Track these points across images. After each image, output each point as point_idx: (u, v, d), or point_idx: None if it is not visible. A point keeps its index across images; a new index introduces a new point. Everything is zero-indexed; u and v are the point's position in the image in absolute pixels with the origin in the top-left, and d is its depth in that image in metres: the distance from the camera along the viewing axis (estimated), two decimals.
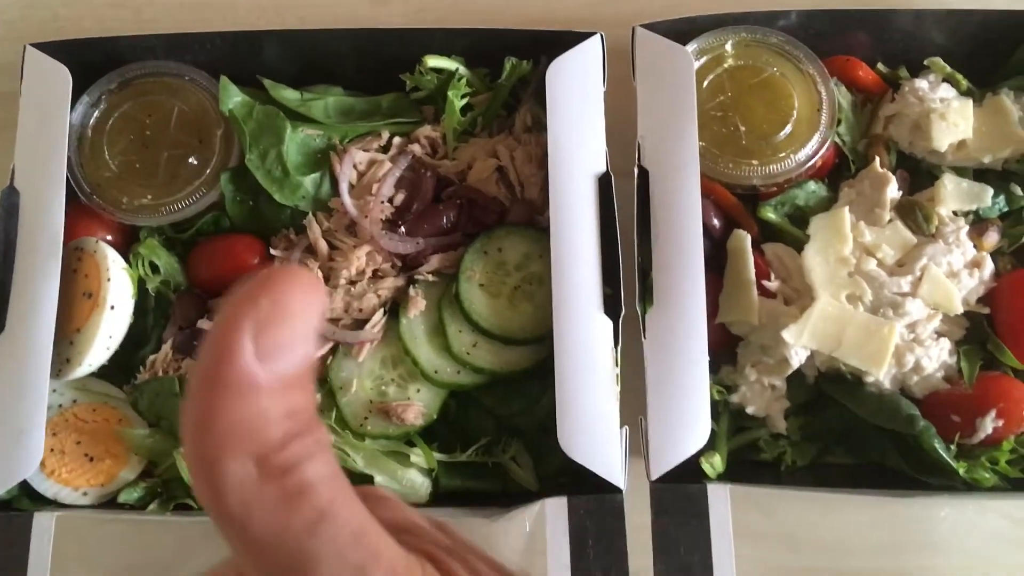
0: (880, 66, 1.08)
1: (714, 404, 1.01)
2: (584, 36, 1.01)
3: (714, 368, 1.03)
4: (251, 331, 0.33)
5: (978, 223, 1.00)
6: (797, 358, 0.97)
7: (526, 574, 0.40)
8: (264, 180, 0.99)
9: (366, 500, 0.37)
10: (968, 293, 0.97)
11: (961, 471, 0.92)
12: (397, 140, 1.05)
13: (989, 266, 0.98)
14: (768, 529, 1.02)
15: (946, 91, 1.05)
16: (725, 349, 1.03)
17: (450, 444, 0.97)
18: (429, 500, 0.95)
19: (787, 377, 1.00)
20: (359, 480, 0.95)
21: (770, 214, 1.01)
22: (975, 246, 0.99)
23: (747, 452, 1.03)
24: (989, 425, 0.93)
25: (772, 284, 0.99)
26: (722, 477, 0.97)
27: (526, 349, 0.97)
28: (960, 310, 0.96)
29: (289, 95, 1.04)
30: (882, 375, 0.95)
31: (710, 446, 0.98)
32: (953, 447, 0.93)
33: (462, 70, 1.04)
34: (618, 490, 0.89)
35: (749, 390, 1.00)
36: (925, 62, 1.07)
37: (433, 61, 1.03)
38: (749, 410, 0.99)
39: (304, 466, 0.34)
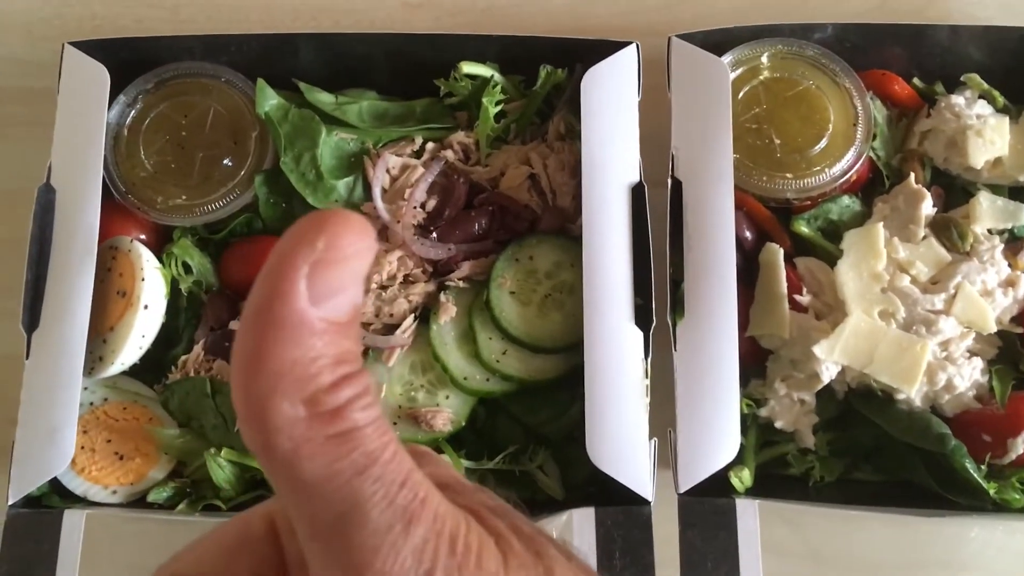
0: (916, 81, 1.08)
1: (743, 418, 1.01)
2: (620, 45, 1.01)
3: (743, 381, 1.02)
4: (305, 272, 0.33)
5: (1013, 242, 0.99)
6: (828, 373, 0.97)
7: (566, 543, 0.40)
8: (298, 183, 0.99)
9: (412, 454, 0.37)
10: (1001, 312, 0.97)
11: (991, 491, 0.91)
12: (430, 145, 1.05)
13: None
14: (795, 545, 1.01)
15: (982, 108, 1.05)
16: (755, 362, 1.02)
17: (478, 451, 0.97)
18: None
19: (816, 392, 0.99)
20: None
21: (803, 228, 1.01)
22: (1010, 265, 0.98)
23: (775, 466, 1.02)
24: (1021, 446, 0.92)
25: (804, 298, 0.99)
26: (750, 491, 0.97)
27: (555, 358, 0.97)
28: (993, 329, 0.95)
29: (324, 98, 1.04)
30: (913, 393, 0.94)
31: (739, 460, 0.98)
32: (983, 467, 0.92)
33: (497, 77, 1.04)
34: (646, 502, 0.89)
35: (778, 404, 1.00)
36: (962, 78, 1.06)
37: (468, 67, 1.03)
38: (778, 424, 0.99)
39: (354, 410, 0.34)
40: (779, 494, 1.00)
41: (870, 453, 1.00)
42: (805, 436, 0.99)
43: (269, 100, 1.00)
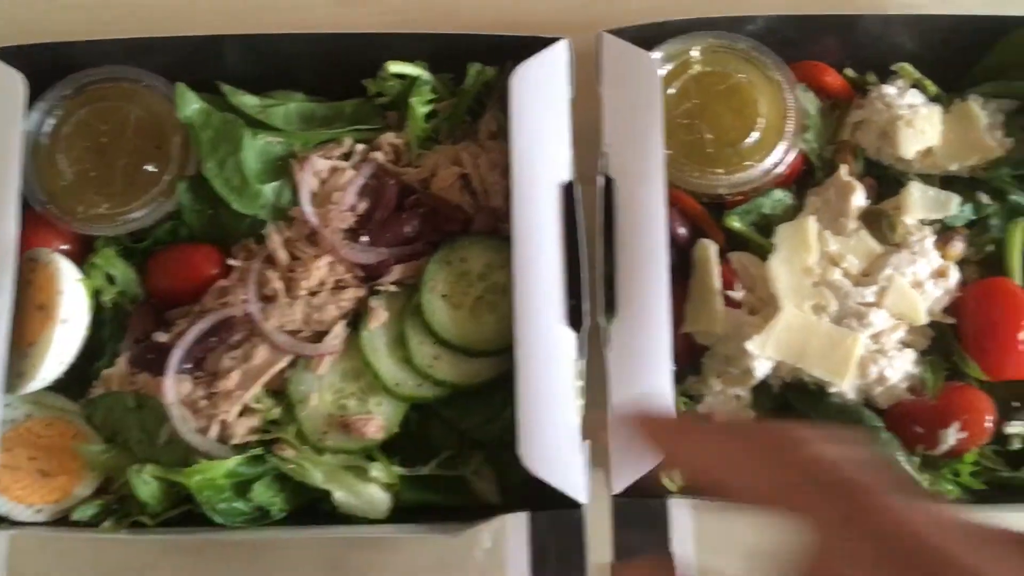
0: (848, 71, 1.07)
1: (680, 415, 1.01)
2: (550, 41, 0.99)
3: (680, 378, 1.02)
4: None
5: (944, 232, 0.99)
6: (761, 369, 0.96)
7: None
8: (222, 189, 0.97)
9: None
10: (933, 303, 0.97)
11: (924, 484, 0.91)
12: (359, 147, 1.03)
13: (954, 276, 0.97)
14: (731, 542, 1.01)
15: (914, 97, 1.04)
16: (691, 359, 1.02)
17: (412, 458, 0.96)
18: (389, 515, 0.94)
19: (752, 387, 0.99)
20: (316, 495, 0.94)
21: (735, 223, 1.00)
22: (941, 255, 0.98)
23: None
24: (952, 437, 0.92)
25: (737, 294, 0.99)
26: (687, 489, 0.97)
27: (489, 361, 0.96)
28: (925, 320, 0.95)
29: (248, 101, 1.02)
30: (845, 386, 0.94)
31: None
32: (916, 459, 0.93)
33: (425, 76, 1.03)
34: (579, 505, 0.88)
35: (714, 400, 0.99)
36: (893, 67, 1.06)
37: (395, 67, 1.01)
38: None
39: None
40: None
41: None
42: None
43: (190, 104, 0.98)
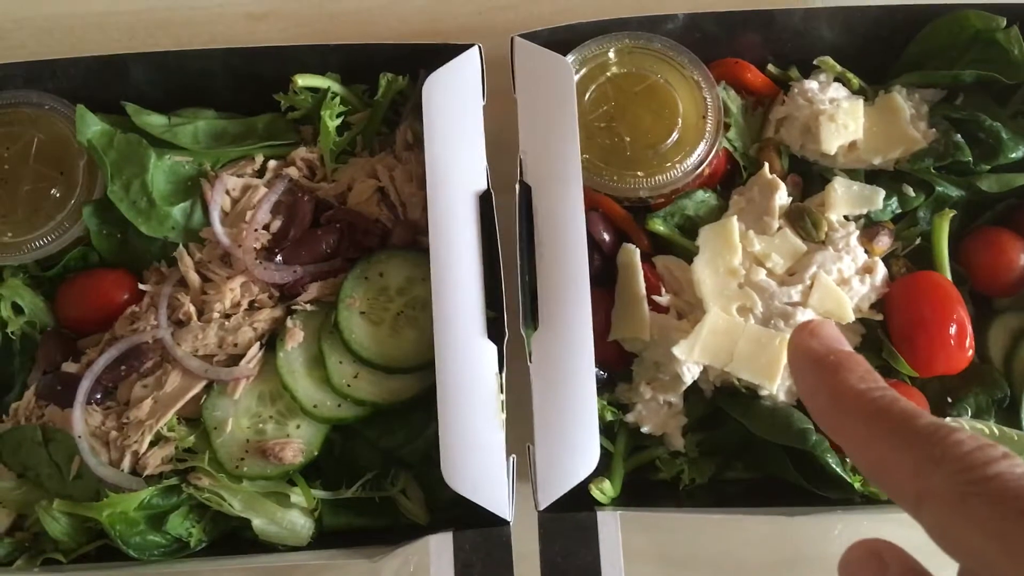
0: (771, 67, 1.06)
1: (610, 424, 0.99)
2: (462, 48, 0.97)
3: (610, 387, 1.00)
4: None
5: (870, 227, 0.97)
6: (690, 374, 0.94)
7: None
8: (128, 212, 0.95)
9: None
10: (860, 300, 0.95)
11: (856, 485, 0.90)
12: (272, 163, 1.01)
13: (881, 271, 0.96)
14: (667, 551, 0.99)
15: (837, 91, 1.03)
16: (621, 366, 1.00)
17: (336, 480, 0.94)
18: (312, 541, 0.91)
19: (684, 393, 0.97)
20: (236, 524, 0.91)
21: (659, 226, 0.98)
22: (866, 251, 0.96)
23: (647, 472, 1.00)
24: None
25: (663, 299, 0.97)
26: (617, 500, 0.94)
27: (411, 378, 0.94)
28: (851, 318, 0.94)
29: (154, 121, 0.99)
30: (775, 388, 0.92)
31: (604, 469, 0.96)
32: (849, 459, 0.91)
33: (336, 88, 1.00)
34: (505, 522, 0.86)
35: (645, 408, 0.97)
36: (815, 61, 1.04)
37: (304, 80, 0.99)
38: (645, 429, 0.96)
39: None
40: (650, 500, 0.98)
41: (740, 452, 0.98)
42: (674, 439, 0.97)
43: (91, 126, 0.95)
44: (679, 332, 0.94)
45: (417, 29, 1.14)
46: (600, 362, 0.98)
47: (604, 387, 0.99)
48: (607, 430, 0.99)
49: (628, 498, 0.96)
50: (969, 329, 0.92)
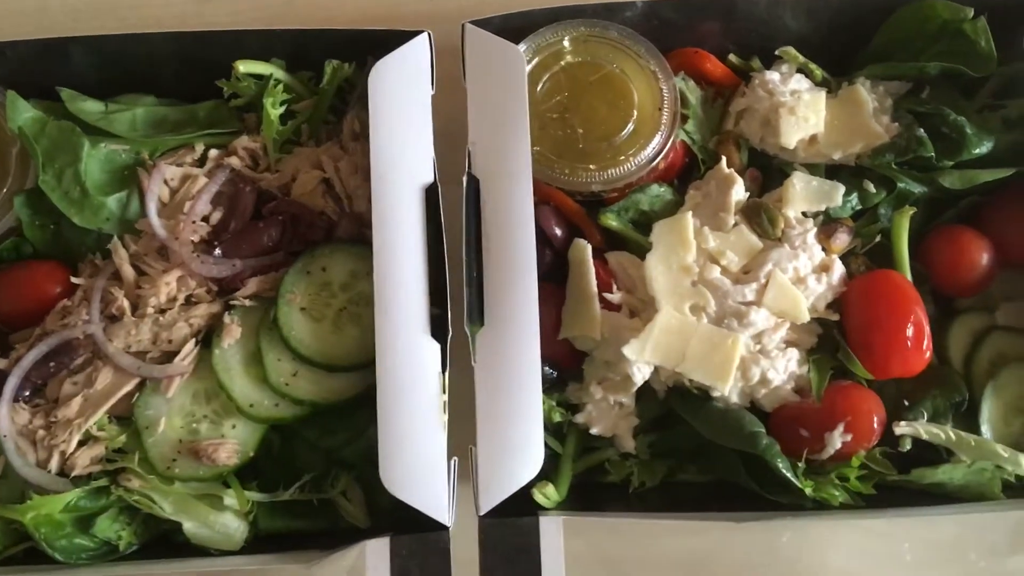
0: (732, 57, 1.02)
1: (559, 425, 0.96)
2: (411, 35, 0.93)
3: (561, 386, 0.97)
4: None
5: (828, 224, 0.94)
6: (640, 374, 0.92)
7: None
8: (61, 202, 0.91)
9: None
10: (816, 299, 0.92)
11: (808, 490, 0.87)
12: (213, 153, 0.97)
13: (839, 270, 0.93)
14: (612, 555, 0.97)
15: (799, 82, 0.99)
16: (572, 365, 0.97)
17: (274, 482, 0.91)
18: (246, 545, 0.88)
19: (637, 393, 0.94)
20: (168, 527, 0.89)
21: (611, 221, 0.95)
22: (824, 249, 0.93)
23: (597, 474, 0.97)
24: (838, 440, 0.88)
25: (615, 296, 0.94)
26: (564, 504, 0.92)
27: (352, 376, 0.91)
28: (807, 318, 0.91)
29: (90, 107, 0.96)
30: (727, 390, 0.90)
31: (551, 472, 0.93)
32: (802, 464, 0.88)
33: (279, 74, 0.97)
34: (444, 528, 0.83)
35: (595, 409, 0.94)
36: (777, 52, 1.01)
37: (245, 66, 0.95)
38: (594, 430, 0.94)
39: None
40: (599, 503, 0.96)
41: (692, 454, 0.96)
42: (625, 440, 0.94)
43: (22, 113, 0.92)
44: (630, 331, 0.92)
45: (373, 14, 1.11)
46: (550, 361, 0.96)
47: (554, 387, 0.96)
48: (556, 431, 0.96)
49: (576, 501, 0.94)
50: (927, 330, 0.89)
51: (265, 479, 0.91)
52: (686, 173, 1.00)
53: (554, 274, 0.96)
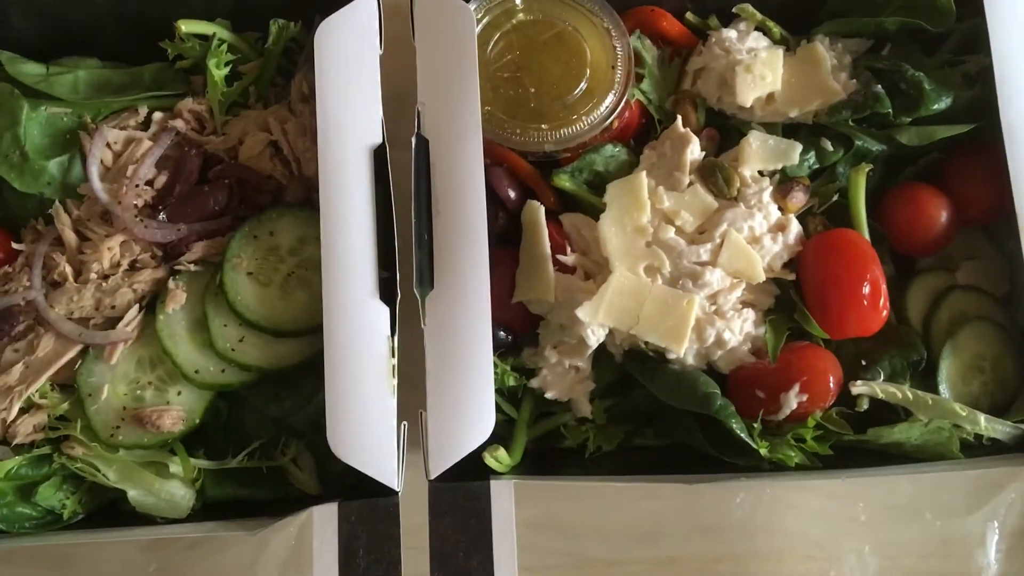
0: (689, 16, 1.00)
1: (514, 390, 0.95)
2: None
3: (516, 351, 0.96)
4: None
5: (784, 183, 0.93)
6: (595, 337, 0.90)
7: None
8: (0, 166, 0.89)
9: None
10: (772, 259, 0.91)
11: (763, 451, 0.86)
12: (158, 115, 0.95)
13: (795, 229, 0.92)
14: (566, 521, 0.96)
15: (757, 41, 0.98)
16: (527, 329, 0.95)
17: (223, 449, 0.89)
18: (192, 513, 0.87)
19: (593, 357, 0.93)
20: (114, 495, 0.87)
21: (565, 182, 0.93)
22: (780, 208, 0.92)
23: (555, 438, 0.96)
24: (793, 400, 0.87)
25: (568, 258, 0.92)
26: (518, 469, 0.90)
27: (299, 341, 0.89)
28: (762, 278, 0.89)
29: (29, 70, 0.93)
30: (683, 351, 0.88)
31: (506, 437, 0.92)
32: (758, 425, 0.87)
33: (224, 34, 0.94)
34: (393, 492, 0.81)
35: (551, 373, 0.93)
36: (734, 9, 0.99)
37: (188, 26, 0.93)
38: (549, 395, 0.92)
39: None
40: (554, 468, 0.94)
41: (649, 418, 0.95)
42: (581, 405, 0.93)
43: None
44: (584, 293, 0.90)
45: None
46: (505, 325, 0.94)
47: (509, 351, 0.95)
48: (511, 396, 0.95)
49: (531, 466, 0.93)
50: (883, 289, 0.88)
51: (213, 446, 0.90)
52: (643, 134, 0.99)
53: (508, 237, 0.94)
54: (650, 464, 0.94)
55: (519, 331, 0.96)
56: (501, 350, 0.94)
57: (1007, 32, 0.91)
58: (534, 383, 0.93)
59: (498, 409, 0.94)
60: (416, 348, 0.86)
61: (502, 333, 0.94)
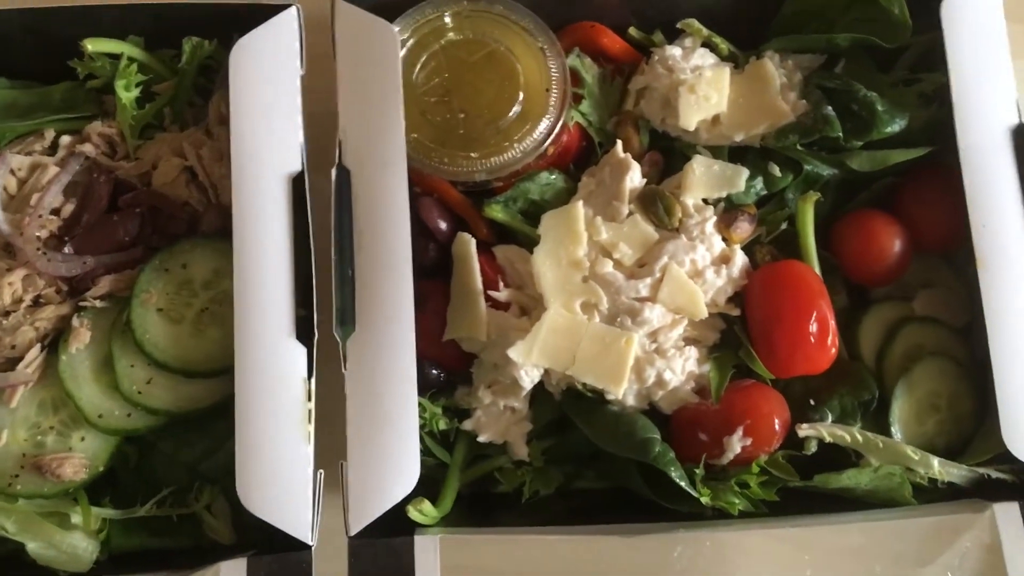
0: (633, 31, 0.95)
1: (446, 433, 0.90)
2: (278, 9, 0.86)
3: (449, 391, 0.90)
4: None
5: (729, 211, 0.87)
6: (528, 378, 0.85)
7: None
8: None
9: None
10: (716, 293, 0.86)
11: (705, 499, 0.81)
12: (65, 140, 0.90)
13: (740, 261, 0.86)
14: (501, 568, 0.91)
15: (703, 58, 0.93)
16: (461, 368, 0.90)
17: (132, 497, 0.84)
18: (98, 565, 0.82)
19: (532, 395, 0.88)
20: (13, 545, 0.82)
21: (497, 213, 0.88)
22: (724, 239, 0.87)
23: (489, 483, 0.91)
24: (737, 445, 0.82)
25: (501, 294, 0.87)
26: (450, 517, 0.85)
27: (212, 383, 0.84)
28: (704, 314, 0.84)
29: None
30: (621, 393, 0.83)
31: (436, 483, 0.87)
32: (700, 471, 0.82)
33: (134, 53, 0.89)
34: (307, 547, 0.76)
35: (485, 414, 0.88)
36: (679, 24, 0.93)
37: (95, 44, 0.87)
38: (483, 437, 0.87)
39: None
40: (489, 514, 0.89)
41: (590, 460, 0.90)
42: (517, 447, 0.88)
43: None
44: (518, 332, 0.85)
45: None
46: (437, 363, 0.89)
47: (441, 391, 0.90)
48: (443, 439, 0.90)
49: (464, 513, 0.87)
50: (832, 326, 0.83)
51: (122, 493, 0.84)
52: (584, 157, 0.93)
53: (439, 270, 0.89)
54: (591, 508, 0.89)
55: (452, 369, 0.91)
56: (433, 390, 0.89)
57: (965, 47, 0.86)
58: (467, 425, 0.88)
59: (429, 453, 0.89)
60: (337, 392, 0.81)
61: (434, 371, 0.89)
